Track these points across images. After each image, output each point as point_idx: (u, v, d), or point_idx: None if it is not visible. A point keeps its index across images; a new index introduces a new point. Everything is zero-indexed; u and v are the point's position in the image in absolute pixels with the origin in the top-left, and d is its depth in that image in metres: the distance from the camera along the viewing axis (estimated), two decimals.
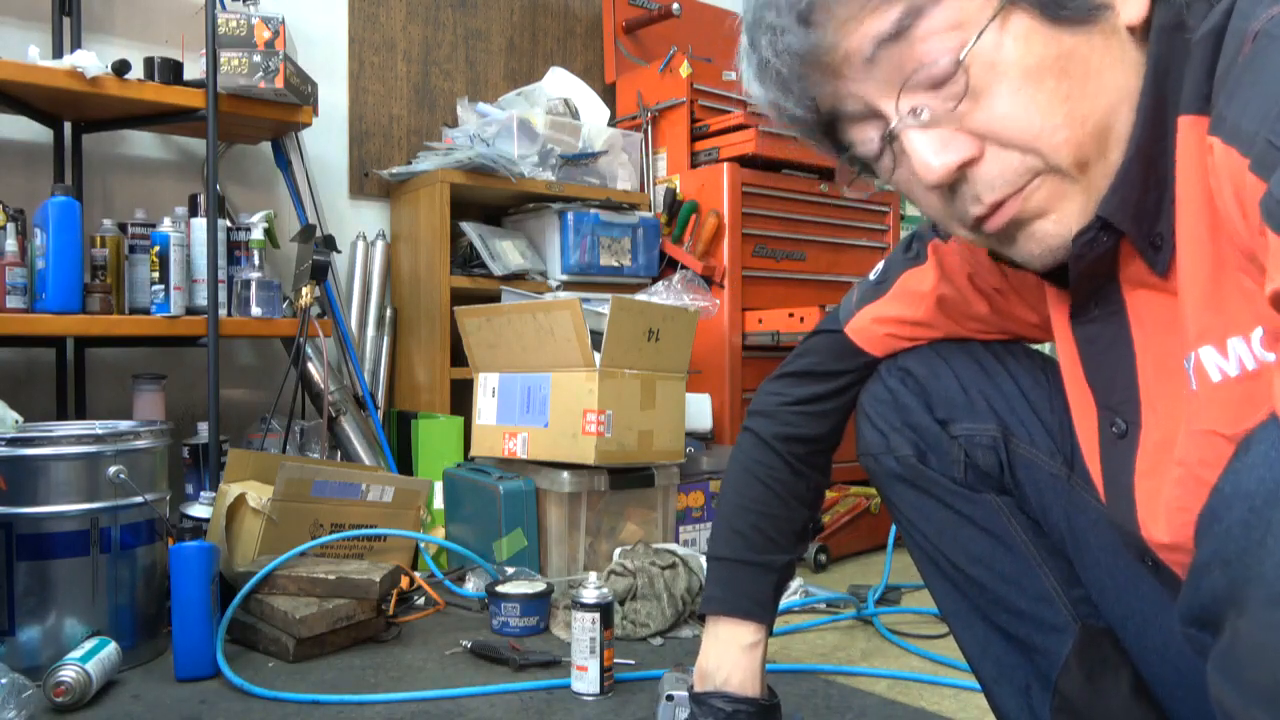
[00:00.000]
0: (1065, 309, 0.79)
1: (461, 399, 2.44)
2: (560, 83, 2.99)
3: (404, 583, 1.82)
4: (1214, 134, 0.55)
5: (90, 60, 1.99)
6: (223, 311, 2.15)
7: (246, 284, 2.22)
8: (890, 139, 0.67)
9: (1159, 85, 0.62)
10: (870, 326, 0.99)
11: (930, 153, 0.64)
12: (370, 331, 2.69)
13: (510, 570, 1.84)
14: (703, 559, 1.79)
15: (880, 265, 1.01)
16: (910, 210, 3.79)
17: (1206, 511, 0.56)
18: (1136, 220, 0.64)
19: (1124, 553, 0.85)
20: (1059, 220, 0.65)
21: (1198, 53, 0.59)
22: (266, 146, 2.56)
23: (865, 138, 0.69)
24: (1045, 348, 0.91)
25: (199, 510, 1.91)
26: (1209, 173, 0.56)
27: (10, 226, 1.95)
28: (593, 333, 1.93)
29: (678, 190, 2.88)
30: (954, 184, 0.66)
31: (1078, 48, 0.62)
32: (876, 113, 0.67)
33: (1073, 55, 0.62)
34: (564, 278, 2.67)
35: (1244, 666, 0.48)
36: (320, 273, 2.29)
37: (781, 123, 0.73)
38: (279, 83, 2.10)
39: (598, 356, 1.92)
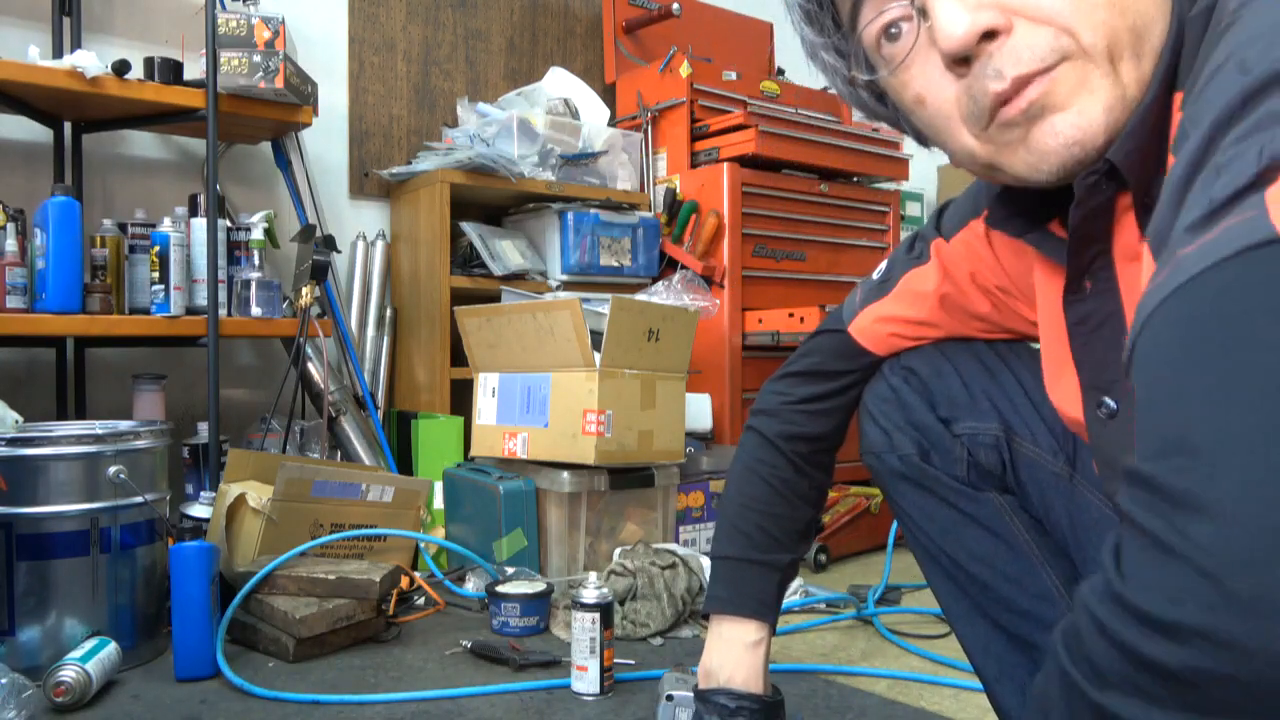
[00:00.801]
0: (1057, 290, 0.78)
1: (461, 399, 2.44)
2: (560, 83, 2.98)
3: (404, 583, 1.82)
4: (1183, 109, 0.55)
5: (90, 60, 1.98)
6: (223, 311, 2.14)
7: (246, 284, 2.22)
8: (919, 12, 0.65)
9: (1177, 44, 0.62)
10: (873, 326, 0.99)
11: (955, 14, 0.62)
12: (370, 331, 2.69)
13: (510, 570, 1.84)
14: (703, 559, 1.79)
15: (883, 265, 1.01)
16: (910, 210, 3.79)
17: None
18: (1140, 174, 0.63)
19: None
20: (1080, 113, 0.62)
21: (1191, 30, 0.59)
22: (266, 146, 2.56)
23: (886, 9, 0.67)
24: None
25: (199, 510, 1.90)
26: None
27: (10, 226, 1.95)
28: (593, 333, 1.92)
29: (678, 190, 2.88)
30: (973, 62, 0.63)
31: None
32: None
33: None
34: (564, 278, 2.66)
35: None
36: (320, 273, 2.29)
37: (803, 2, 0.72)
38: (279, 83, 2.10)
39: (598, 356, 1.92)
